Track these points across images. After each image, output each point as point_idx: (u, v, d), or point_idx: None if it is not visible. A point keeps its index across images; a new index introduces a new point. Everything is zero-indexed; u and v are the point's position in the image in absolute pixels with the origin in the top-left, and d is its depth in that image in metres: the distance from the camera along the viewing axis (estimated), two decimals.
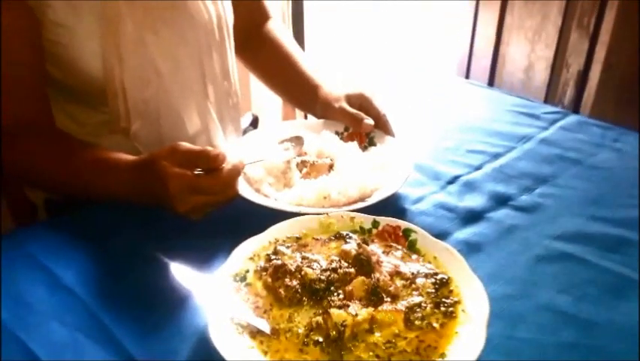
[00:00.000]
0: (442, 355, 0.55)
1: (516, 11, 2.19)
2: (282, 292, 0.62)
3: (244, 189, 0.81)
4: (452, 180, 0.91)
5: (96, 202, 0.86)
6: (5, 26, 0.82)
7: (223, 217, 0.76)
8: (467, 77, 2.47)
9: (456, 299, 0.61)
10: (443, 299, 0.62)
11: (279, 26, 1.18)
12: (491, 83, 2.39)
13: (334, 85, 1.03)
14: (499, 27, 2.27)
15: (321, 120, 1.00)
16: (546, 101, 2.21)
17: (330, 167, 0.87)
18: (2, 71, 0.84)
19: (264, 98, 1.94)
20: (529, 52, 2.21)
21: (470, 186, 0.89)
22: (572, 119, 1.10)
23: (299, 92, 1.09)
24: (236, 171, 0.75)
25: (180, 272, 0.64)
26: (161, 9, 0.91)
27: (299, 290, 0.62)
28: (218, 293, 0.61)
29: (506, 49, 2.29)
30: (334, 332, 0.57)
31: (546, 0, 2.08)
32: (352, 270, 0.64)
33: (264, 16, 1.18)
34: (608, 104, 2.02)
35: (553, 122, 1.09)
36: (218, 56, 1.01)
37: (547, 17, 2.11)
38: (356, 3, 2.47)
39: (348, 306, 0.60)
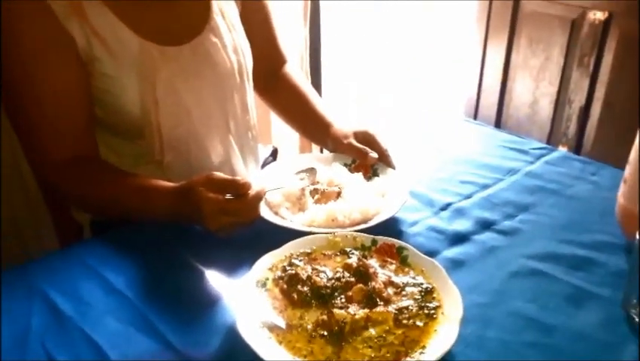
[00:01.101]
0: (423, 347, 0.67)
1: (521, 52, 2.31)
2: (295, 296, 0.74)
3: (265, 212, 0.92)
4: (444, 207, 1.00)
5: (139, 222, 0.96)
6: (64, 78, 0.95)
7: (248, 235, 0.87)
8: (476, 111, 2.57)
9: (437, 304, 0.73)
10: (427, 304, 0.73)
11: (294, 70, 1.29)
12: (499, 117, 2.48)
13: (343, 123, 1.14)
14: (505, 66, 2.39)
15: (332, 154, 1.11)
16: (551, 134, 2.31)
17: (339, 194, 0.97)
18: (61, 114, 0.97)
19: (283, 132, 2.04)
20: (534, 89, 2.31)
21: (460, 213, 0.99)
22: (556, 154, 1.20)
23: (313, 129, 1.20)
24: (258, 197, 0.87)
25: (213, 278, 0.77)
26: (190, 61, 1.03)
27: (309, 295, 0.74)
28: (243, 296, 0.73)
29: (513, 85, 2.39)
30: (336, 328, 0.69)
31: (549, 41, 2.20)
32: (353, 279, 0.76)
33: (281, 61, 1.28)
34: (609, 139, 2.09)
35: (540, 156, 1.18)
36: (239, 96, 1.14)
37: (550, 57, 2.22)
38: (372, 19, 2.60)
39: (348, 307, 0.71)
